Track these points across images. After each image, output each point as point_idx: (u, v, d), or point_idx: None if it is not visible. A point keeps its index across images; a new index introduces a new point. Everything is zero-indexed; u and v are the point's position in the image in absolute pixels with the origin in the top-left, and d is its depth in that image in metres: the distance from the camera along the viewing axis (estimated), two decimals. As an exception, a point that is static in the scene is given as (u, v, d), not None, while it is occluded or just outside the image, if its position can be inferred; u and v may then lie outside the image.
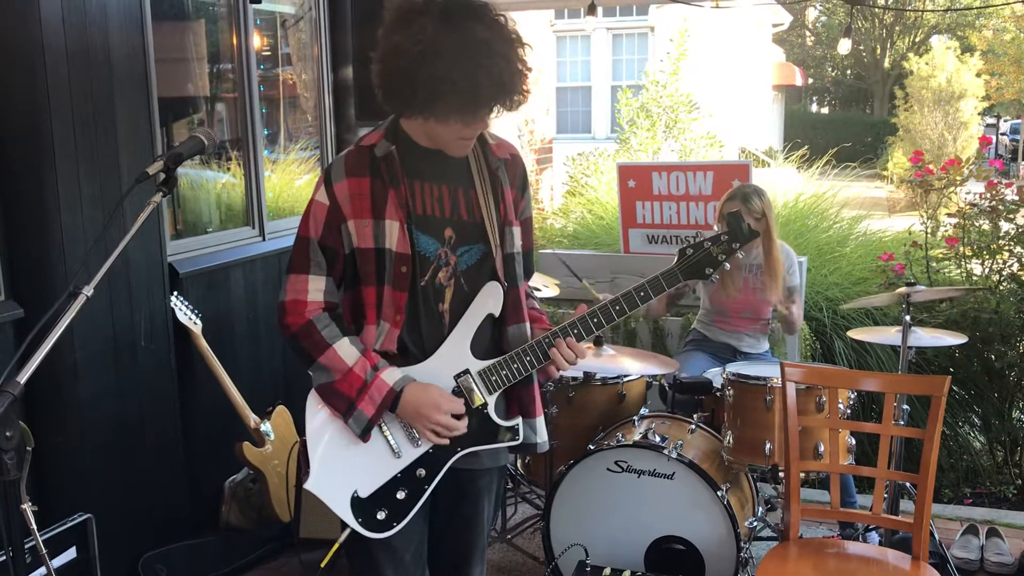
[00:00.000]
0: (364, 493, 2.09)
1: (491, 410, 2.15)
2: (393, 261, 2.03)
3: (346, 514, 2.08)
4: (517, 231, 2.16)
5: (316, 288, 2.08)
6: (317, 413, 2.12)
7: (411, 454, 2.12)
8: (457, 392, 2.12)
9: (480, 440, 2.15)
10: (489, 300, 2.12)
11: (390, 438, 2.11)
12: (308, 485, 2.10)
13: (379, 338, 2.08)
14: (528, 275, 2.28)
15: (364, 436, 2.08)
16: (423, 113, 1.94)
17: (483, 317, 2.12)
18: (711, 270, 2.15)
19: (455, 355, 2.12)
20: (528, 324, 2.19)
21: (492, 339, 2.18)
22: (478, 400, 2.12)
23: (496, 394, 2.15)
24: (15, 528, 1.66)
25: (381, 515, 2.09)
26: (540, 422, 2.23)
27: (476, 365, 2.12)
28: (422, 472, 2.12)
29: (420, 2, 1.90)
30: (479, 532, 2.30)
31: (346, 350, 2.06)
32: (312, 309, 2.08)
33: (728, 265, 2.16)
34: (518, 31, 1.95)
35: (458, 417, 2.09)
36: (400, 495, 2.10)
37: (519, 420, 2.18)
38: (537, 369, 2.15)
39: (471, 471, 2.20)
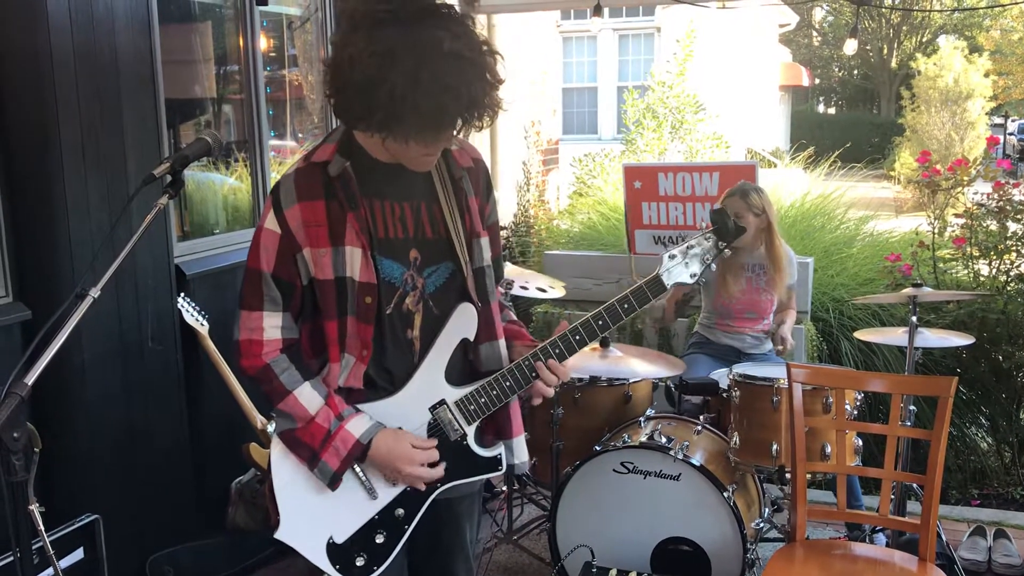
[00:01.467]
0: (340, 539, 1.96)
1: (471, 441, 2.02)
2: (356, 291, 1.87)
3: (323, 562, 1.96)
4: (485, 242, 2.02)
5: (272, 325, 1.93)
6: (284, 458, 1.97)
7: (388, 494, 1.99)
8: (433, 425, 1.99)
9: (461, 473, 2.03)
10: (463, 324, 1.98)
11: (364, 479, 1.97)
12: (279, 535, 1.96)
13: (342, 374, 1.93)
14: (498, 281, 2.15)
15: (332, 486, 1.94)
16: (380, 133, 1.75)
17: (458, 342, 1.99)
18: (696, 272, 2.01)
19: (429, 385, 1.98)
20: (501, 341, 2.06)
21: (465, 361, 2.03)
22: (456, 432, 2.00)
23: (475, 424, 2.01)
24: (23, 529, 1.66)
25: (360, 561, 1.96)
26: (519, 442, 2.09)
27: (452, 394, 1.98)
28: (401, 512, 1.99)
29: (376, 10, 1.70)
30: (463, 558, 2.20)
31: (307, 397, 1.91)
32: (269, 351, 1.93)
33: (715, 267, 2.04)
34: (488, 39, 1.77)
35: (434, 464, 1.97)
36: (379, 538, 1.98)
37: (500, 450, 2.06)
38: (518, 393, 2.01)
39: (448, 499, 2.08)
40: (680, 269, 2.02)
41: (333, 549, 1.96)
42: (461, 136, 1.89)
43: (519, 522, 3.97)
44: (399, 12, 1.70)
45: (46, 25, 3.04)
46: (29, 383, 1.61)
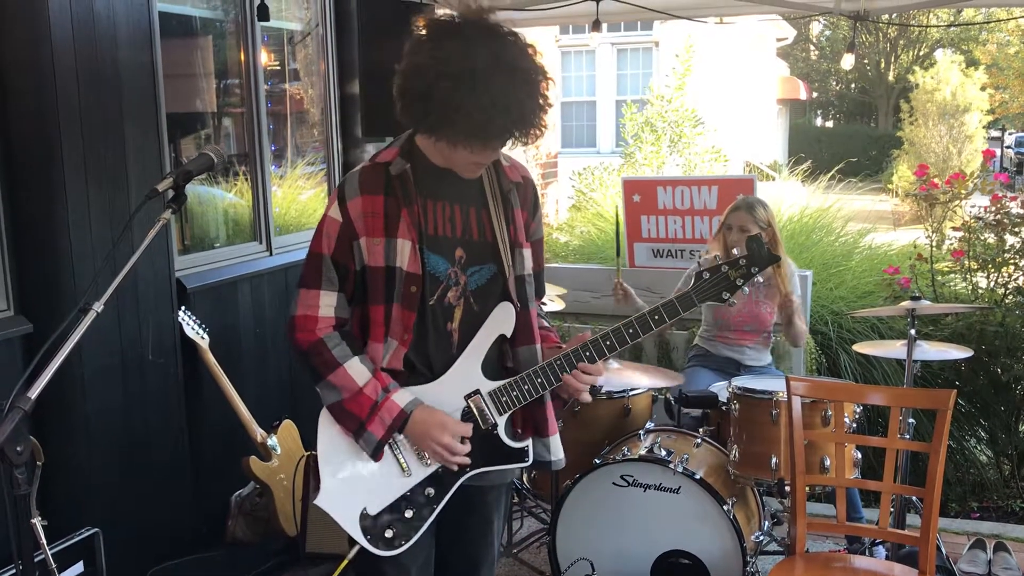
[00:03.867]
0: (373, 511, 2.10)
1: (501, 431, 2.14)
2: (403, 280, 2.03)
3: (355, 531, 2.09)
4: (528, 253, 2.16)
5: (327, 304, 2.08)
6: (328, 429, 2.12)
7: (420, 473, 2.12)
8: (467, 412, 2.11)
9: (490, 461, 2.15)
10: (501, 321, 2.12)
11: (400, 456, 2.11)
12: (318, 501, 2.10)
13: (385, 355, 2.08)
14: (539, 295, 2.29)
15: (375, 456, 2.08)
16: (433, 135, 1.94)
17: (495, 337, 2.13)
18: (728, 294, 2.12)
19: (466, 375, 2.12)
20: (539, 345, 2.18)
21: (503, 360, 2.18)
22: (488, 420, 2.12)
23: (506, 415, 2.14)
24: (25, 542, 1.67)
25: (389, 533, 2.10)
26: (555, 440, 2.23)
27: (487, 386, 2.12)
28: (431, 491, 2.12)
29: (450, 23, 1.90)
30: (487, 547, 2.30)
31: (357, 370, 2.05)
32: (323, 326, 2.07)
33: (747, 289, 2.13)
34: (543, 65, 1.93)
35: (463, 442, 2.08)
36: (408, 514, 2.11)
37: (528, 442, 2.18)
38: (550, 390, 2.14)
39: (479, 487, 2.20)
40: (710, 290, 2.12)
41: (365, 519, 2.09)
42: (508, 151, 2.06)
43: (519, 535, 3.97)
44: (465, 28, 1.88)
45: (49, 40, 3.05)
46: (32, 397, 1.62)
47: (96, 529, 3.01)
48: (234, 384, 3.74)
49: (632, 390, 3.60)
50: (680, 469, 3.11)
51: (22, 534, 1.67)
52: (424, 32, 1.91)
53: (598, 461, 3.26)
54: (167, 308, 3.62)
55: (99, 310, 1.76)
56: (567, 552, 3.29)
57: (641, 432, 3.46)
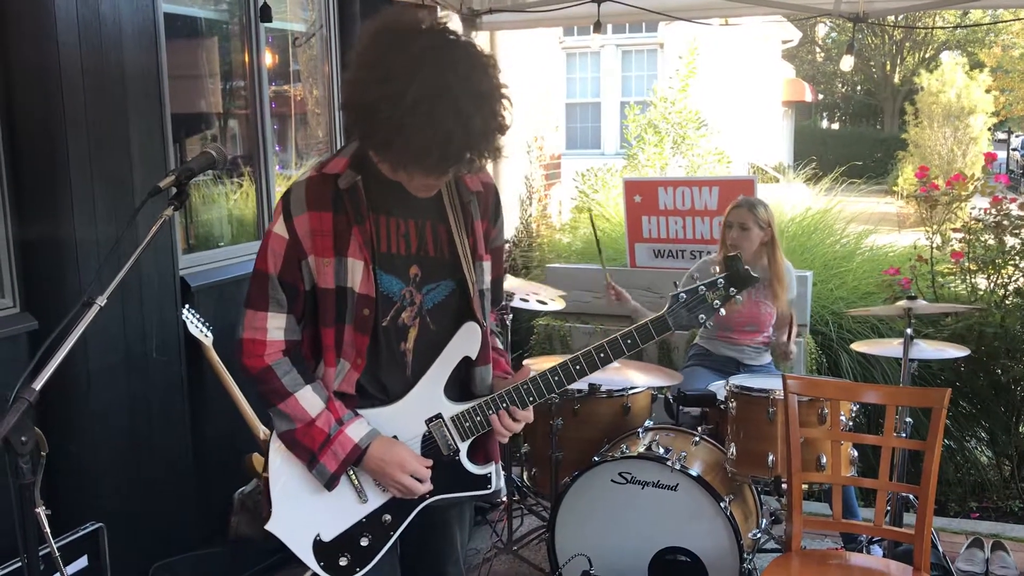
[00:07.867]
0: (327, 537, 2.01)
1: (463, 457, 2.05)
2: (356, 302, 1.92)
3: (308, 557, 2.01)
4: (487, 265, 2.06)
5: (276, 326, 1.96)
6: (280, 451, 2.03)
7: (377, 499, 2.03)
8: (428, 437, 2.03)
9: (451, 488, 2.07)
10: (467, 342, 2.02)
11: (356, 482, 2.01)
12: (269, 526, 2.03)
13: (337, 379, 1.98)
14: (496, 304, 2.19)
15: (329, 487, 1.98)
16: (378, 154, 1.83)
17: (459, 359, 2.02)
18: (704, 317, 2.04)
19: (427, 398, 2.02)
20: (491, 366, 2.10)
21: (460, 380, 2.07)
22: (451, 447, 2.03)
23: (468, 441, 2.05)
24: (30, 531, 1.70)
25: (343, 560, 2.01)
26: (499, 467, 2.14)
27: (449, 410, 2.02)
28: (388, 518, 2.04)
29: (398, 33, 1.74)
30: (452, 562, 2.24)
31: (309, 400, 1.95)
32: (271, 352, 1.96)
33: (724, 311, 2.05)
34: (500, 80, 1.76)
35: (421, 479, 1.99)
36: (364, 541, 2.02)
37: (491, 468, 2.09)
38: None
39: (439, 506, 2.10)
40: (687, 312, 2.04)
41: (319, 546, 2.02)
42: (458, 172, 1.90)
43: (519, 532, 3.99)
44: (412, 41, 1.72)
45: (55, 41, 3.09)
46: (37, 388, 1.65)
47: (100, 524, 3.04)
48: (237, 382, 3.77)
49: (632, 388, 3.63)
50: (678, 467, 3.14)
51: (28, 523, 1.69)
52: (371, 41, 1.75)
53: (597, 458, 3.29)
54: (171, 306, 3.65)
55: (102, 303, 1.78)
56: (566, 548, 3.32)
57: (640, 430, 3.49)
